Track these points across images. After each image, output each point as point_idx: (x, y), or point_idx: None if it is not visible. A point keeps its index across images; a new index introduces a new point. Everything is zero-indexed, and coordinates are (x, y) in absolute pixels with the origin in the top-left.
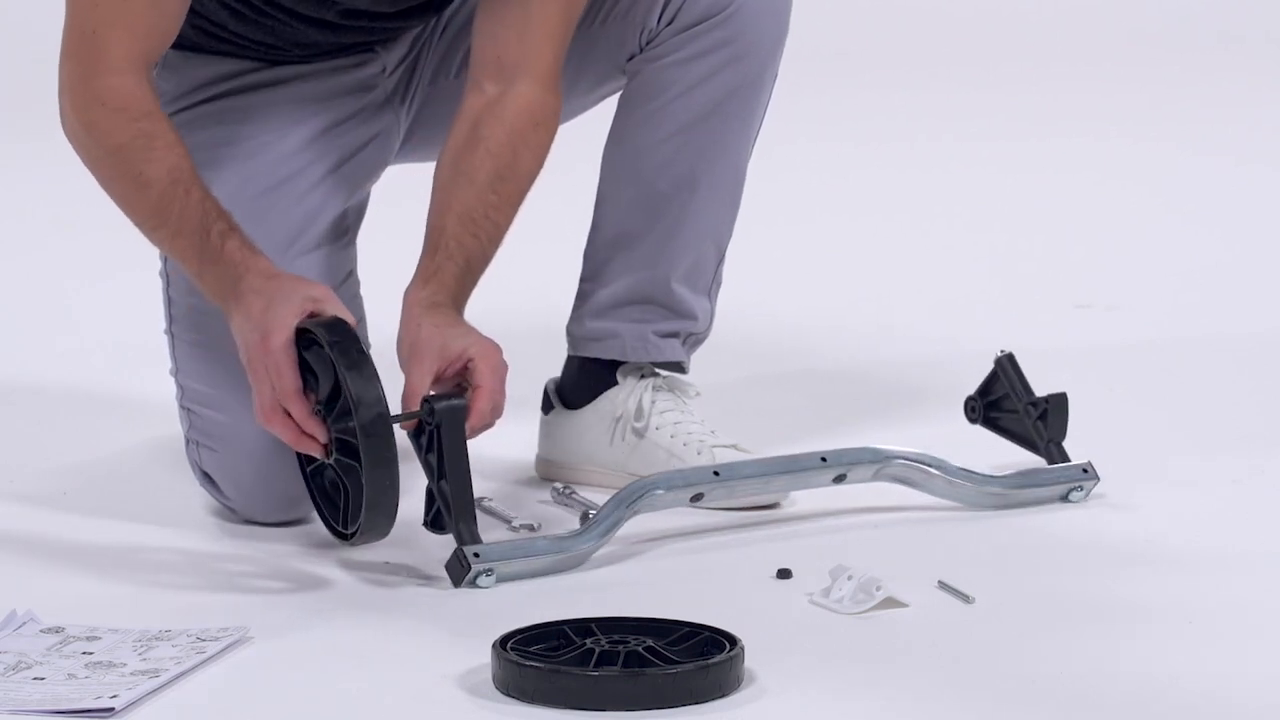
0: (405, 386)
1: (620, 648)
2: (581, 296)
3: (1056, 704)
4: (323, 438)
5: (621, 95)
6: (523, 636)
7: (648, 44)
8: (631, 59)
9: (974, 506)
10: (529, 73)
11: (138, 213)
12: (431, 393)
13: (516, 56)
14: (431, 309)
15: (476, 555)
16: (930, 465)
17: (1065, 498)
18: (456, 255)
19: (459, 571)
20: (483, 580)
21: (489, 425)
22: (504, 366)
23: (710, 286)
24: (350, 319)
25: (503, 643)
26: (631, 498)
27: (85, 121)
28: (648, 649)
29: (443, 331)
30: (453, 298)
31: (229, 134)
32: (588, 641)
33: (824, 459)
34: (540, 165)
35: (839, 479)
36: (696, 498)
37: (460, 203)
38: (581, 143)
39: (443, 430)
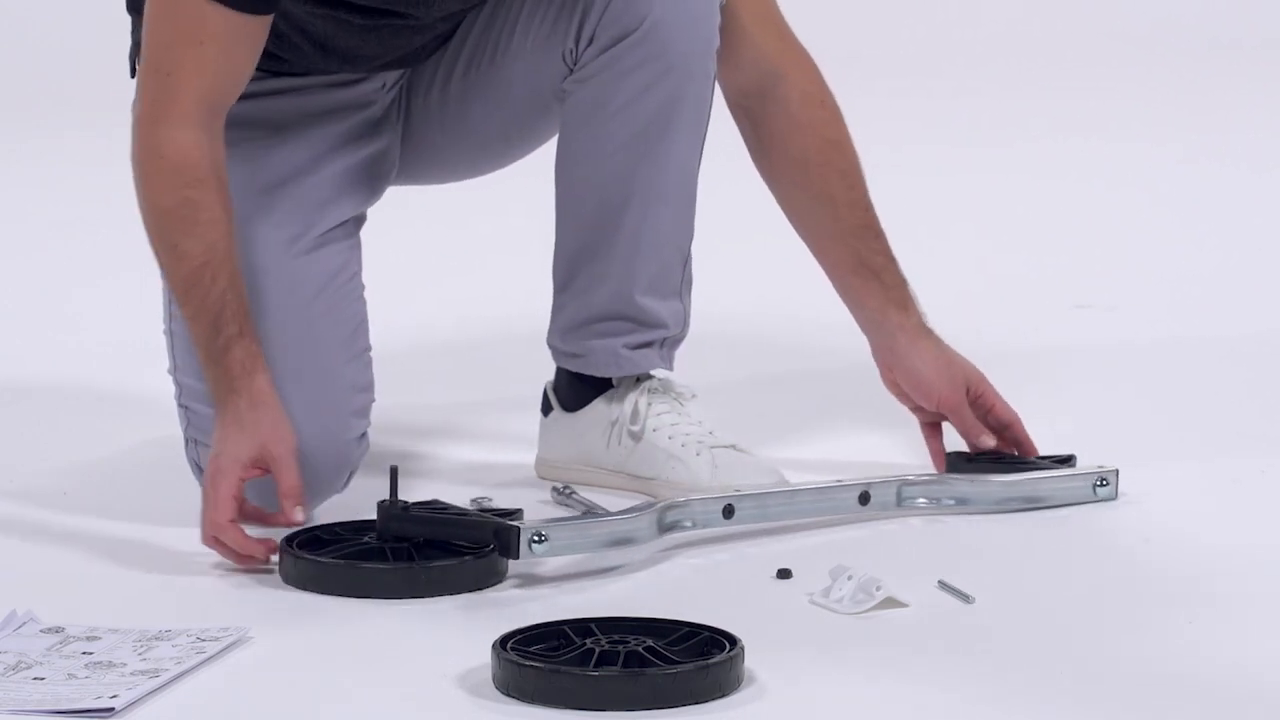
0: (960, 425)
1: (620, 648)
2: (554, 311)
3: (1057, 704)
4: (262, 555)
5: (562, 114)
6: (523, 636)
7: (575, 64)
8: (565, 77)
9: (1001, 507)
10: (774, 69)
11: (169, 281)
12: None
13: (760, 68)
14: (922, 337)
15: (521, 524)
16: (947, 479)
17: (1094, 493)
18: (893, 270)
19: (512, 542)
20: (538, 548)
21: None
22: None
23: (680, 288)
24: (295, 479)
25: (503, 643)
26: (665, 506)
27: (142, 172)
28: (648, 649)
29: (945, 365)
30: (918, 310)
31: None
32: (588, 642)
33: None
34: (844, 123)
35: (864, 498)
36: (728, 511)
37: (844, 228)
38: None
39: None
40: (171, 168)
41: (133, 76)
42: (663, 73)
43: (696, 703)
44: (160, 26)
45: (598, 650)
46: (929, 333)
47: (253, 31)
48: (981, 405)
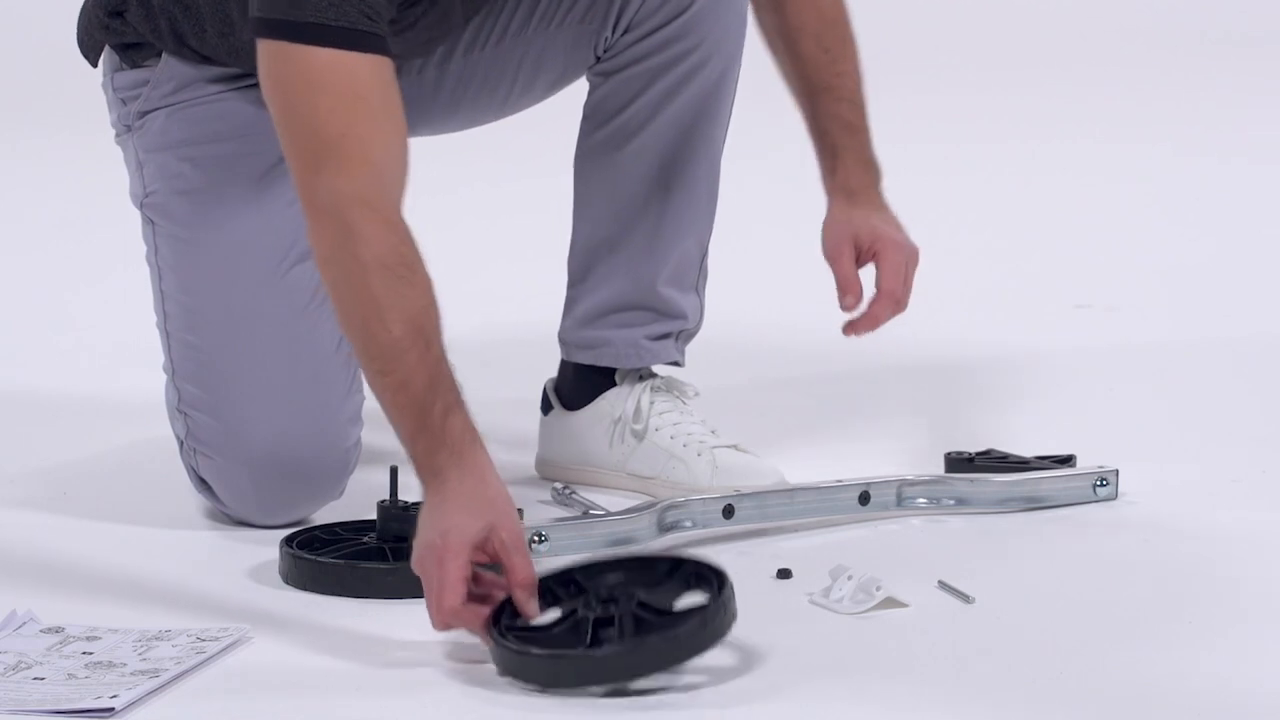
0: (835, 275)
1: (613, 609)
2: (569, 304)
3: (1057, 704)
4: (488, 642)
5: (586, 105)
6: (512, 611)
7: (605, 52)
8: (591, 66)
9: (1001, 507)
10: None
11: (370, 348)
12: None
13: None
14: (849, 198)
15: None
16: (947, 479)
17: (1094, 493)
18: (841, 133)
19: None
20: (538, 548)
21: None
22: (907, 262)
23: (697, 281)
24: (529, 568)
25: (495, 621)
26: (665, 506)
27: (345, 224)
28: (640, 605)
29: (852, 216)
30: (862, 177)
31: (214, 131)
32: (579, 609)
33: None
34: (843, 4)
35: (864, 498)
36: (728, 511)
37: (810, 85)
38: (546, 140)
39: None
40: (384, 220)
41: (92, 65)
42: (697, 67)
43: (701, 652)
44: (312, 102)
45: (591, 618)
46: (851, 193)
47: (393, 76)
48: (874, 265)
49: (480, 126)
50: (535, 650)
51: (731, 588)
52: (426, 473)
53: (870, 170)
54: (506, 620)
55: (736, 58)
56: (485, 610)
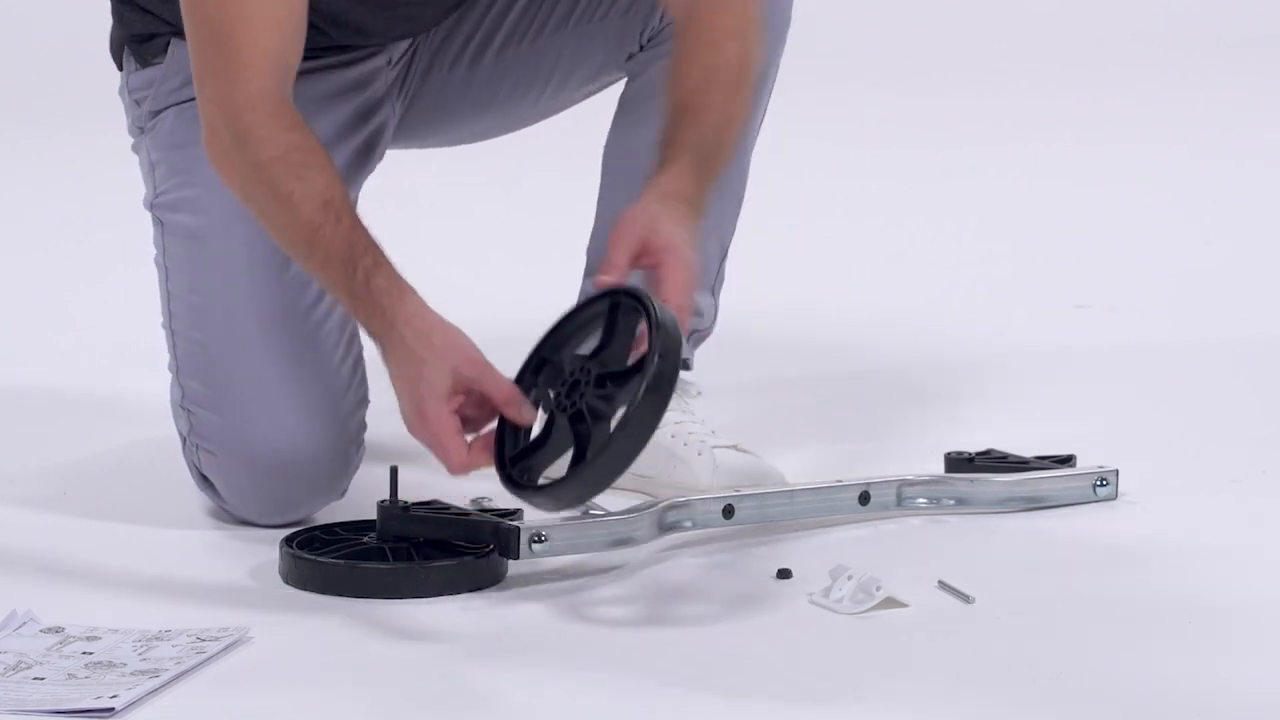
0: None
1: (578, 400)
2: (584, 295)
3: (1057, 705)
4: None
5: (623, 94)
6: (515, 446)
7: (649, 42)
8: (631, 57)
9: (1001, 507)
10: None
11: (287, 235)
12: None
13: None
14: (664, 196)
15: (520, 524)
16: (947, 479)
17: (1094, 493)
18: (692, 147)
19: (512, 542)
20: (538, 548)
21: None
22: (691, 286)
23: (714, 283)
24: (506, 386)
25: (502, 466)
26: (665, 506)
27: (238, 130)
28: (599, 381)
29: (658, 214)
30: (688, 189)
31: None
32: (553, 409)
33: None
34: (748, 44)
35: (864, 498)
36: (728, 511)
37: (673, 100)
38: (576, 141)
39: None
40: (269, 115)
41: (120, 70)
42: None
43: (665, 402)
44: None
45: (567, 418)
46: (669, 195)
47: None
48: (655, 274)
49: (503, 135)
50: (542, 484)
51: (658, 321)
52: (374, 338)
53: (702, 193)
54: (509, 450)
55: (775, 60)
56: (490, 440)
